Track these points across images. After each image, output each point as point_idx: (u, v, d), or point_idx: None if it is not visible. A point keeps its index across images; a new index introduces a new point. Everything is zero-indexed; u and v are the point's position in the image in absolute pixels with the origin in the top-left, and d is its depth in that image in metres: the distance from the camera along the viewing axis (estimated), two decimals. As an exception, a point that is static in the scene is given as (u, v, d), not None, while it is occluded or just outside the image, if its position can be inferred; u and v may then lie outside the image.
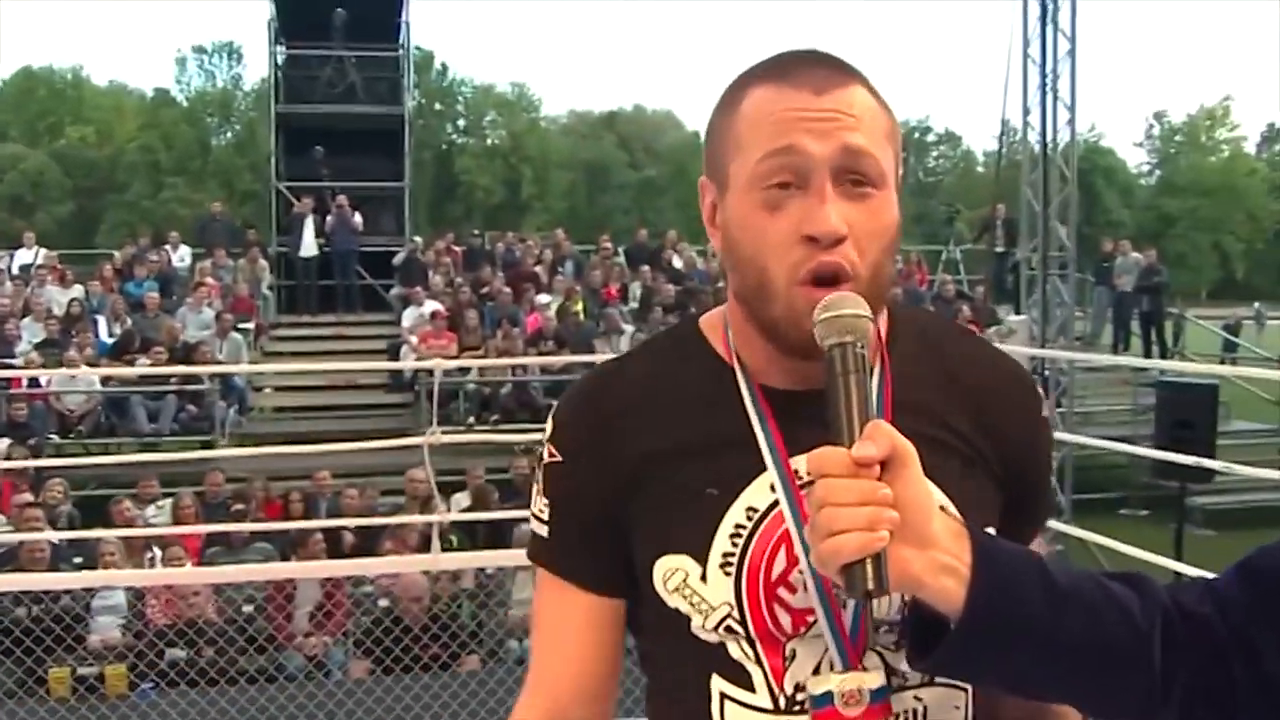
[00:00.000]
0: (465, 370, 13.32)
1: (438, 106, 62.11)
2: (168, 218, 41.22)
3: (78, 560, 8.75)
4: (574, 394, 1.44)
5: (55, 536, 8.27)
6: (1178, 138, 65.86)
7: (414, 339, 14.92)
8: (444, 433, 5.93)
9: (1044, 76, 11.37)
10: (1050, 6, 11.36)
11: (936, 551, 1.14)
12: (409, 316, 15.77)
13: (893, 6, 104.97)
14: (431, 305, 15.64)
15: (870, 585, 1.10)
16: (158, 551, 8.67)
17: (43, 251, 17.90)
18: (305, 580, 8.21)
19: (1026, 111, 11.56)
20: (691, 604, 1.30)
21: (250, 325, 15.96)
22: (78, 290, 15.97)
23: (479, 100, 63.22)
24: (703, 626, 1.30)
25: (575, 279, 17.48)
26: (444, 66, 62.77)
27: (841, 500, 1.11)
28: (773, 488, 1.30)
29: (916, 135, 69.49)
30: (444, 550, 6.49)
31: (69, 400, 13.09)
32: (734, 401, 1.34)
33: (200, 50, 62.95)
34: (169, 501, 9.97)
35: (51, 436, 12.67)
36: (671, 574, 1.31)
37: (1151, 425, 10.42)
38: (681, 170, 55.54)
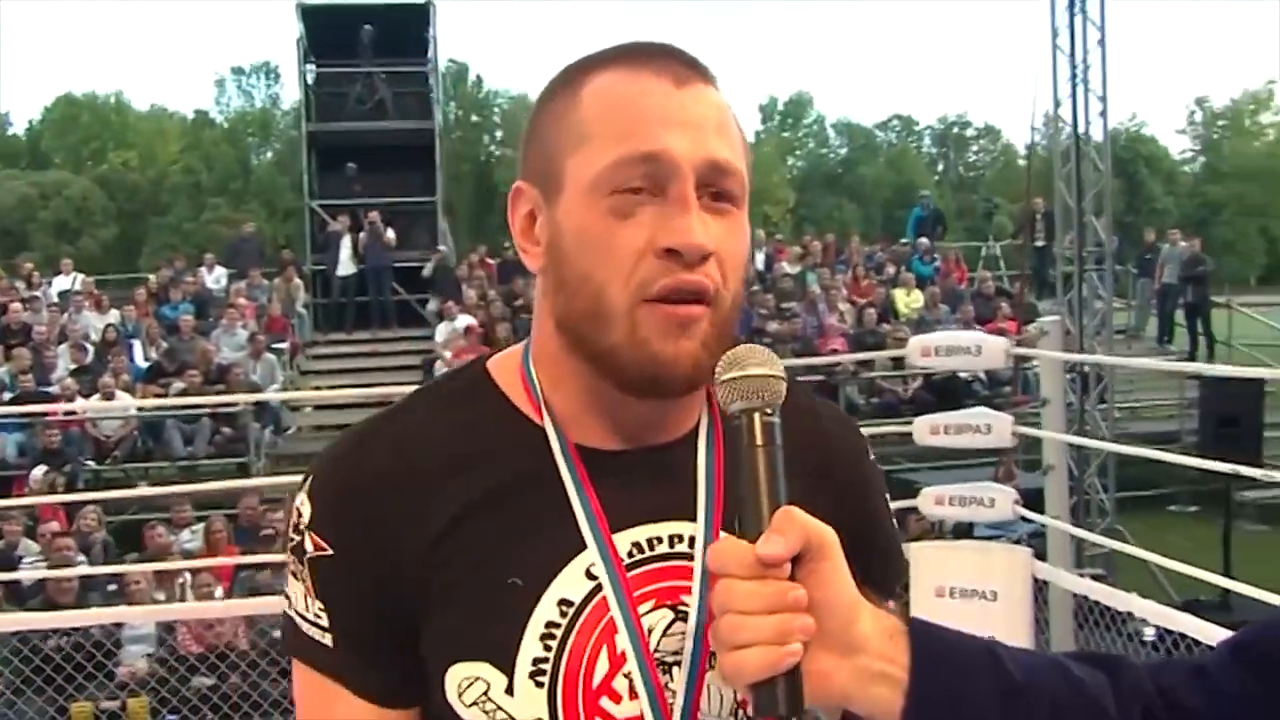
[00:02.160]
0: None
1: (474, 119, 62.33)
2: (210, 239, 41.49)
3: (111, 588, 8.74)
4: (335, 464, 1.16)
5: (79, 572, 8.24)
6: (1220, 123, 64.96)
7: (448, 354, 14.87)
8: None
9: (1074, 67, 11.13)
10: (1079, -5, 11.14)
11: (865, 657, 0.98)
12: (442, 331, 15.75)
13: (928, 1, 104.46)
14: (465, 319, 15.59)
15: (782, 709, 0.94)
16: (189, 577, 8.63)
17: (80, 277, 18.01)
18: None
19: (1057, 104, 11.32)
20: None
21: (285, 345, 15.96)
22: (114, 315, 16.05)
23: (516, 111, 63.32)
24: None
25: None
26: (479, 79, 63.01)
27: (745, 607, 0.95)
28: (589, 573, 1.09)
29: (955, 130, 68.98)
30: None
31: (104, 426, 13.11)
32: (541, 466, 1.12)
33: (239, 71, 63.54)
34: (202, 526, 9.94)
35: (88, 462, 12.71)
36: (468, 685, 1.09)
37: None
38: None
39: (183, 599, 8.41)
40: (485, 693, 1.08)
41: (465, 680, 1.09)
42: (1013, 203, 38.44)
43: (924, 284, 17.72)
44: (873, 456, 1.30)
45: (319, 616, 1.13)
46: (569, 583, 1.09)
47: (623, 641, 1.09)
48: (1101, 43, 11.22)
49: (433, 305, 17.14)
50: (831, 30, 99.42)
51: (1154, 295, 18.76)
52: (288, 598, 1.17)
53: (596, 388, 1.11)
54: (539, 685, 1.08)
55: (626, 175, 1.05)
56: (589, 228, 1.07)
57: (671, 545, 1.12)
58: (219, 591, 8.61)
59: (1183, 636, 4.42)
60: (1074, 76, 11.20)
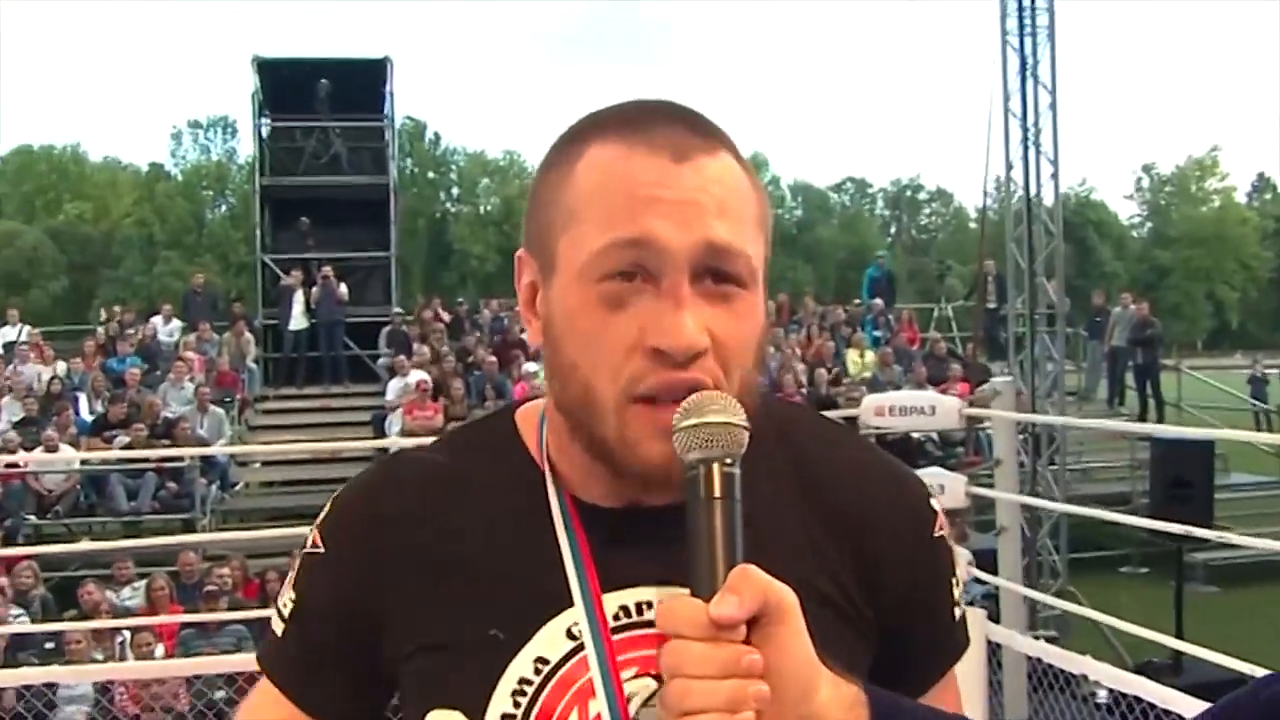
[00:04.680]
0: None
1: (431, 175, 62.46)
2: (161, 292, 41.18)
3: (49, 646, 8.51)
4: (361, 481, 1.20)
5: (11, 629, 8.02)
6: (1168, 189, 66.20)
7: (399, 410, 14.73)
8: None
9: (1025, 130, 11.28)
10: (1030, 60, 11.29)
11: None
12: (394, 388, 15.61)
13: (883, 66, 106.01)
14: (417, 375, 15.47)
15: None
16: (127, 635, 8.42)
17: (25, 329, 17.76)
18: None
19: (1009, 166, 11.45)
20: None
21: (234, 399, 15.77)
22: (60, 367, 15.82)
23: (472, 168, 63.54)
24: None
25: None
26: (437, 135, 63.21)
27: (696, 671, 0.89)
28: (570, 633, 1.05)
29: (908, 193, 69.85)
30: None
31: (47, 480, 12.86)
32: (540, 519, 1.09)
33: (195, 124, 63.41)
34: (144, 583, 9.74)
35: (28, 517, 12.44)
36: None
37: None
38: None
39: (122, 658, 8.21)
40: None
41: None
42: (964, 265, 38.87)
43: (876, 345, 17.82)
44: (941, 532, 1.17)
45: (285, 606, 1.16)
46: (547, 642, 1.06)
47: (599, 705, 1.03)
48: (1053, 106, 11.38)
49: (384, 360, 17.02)
50: (786, 92, 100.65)
51: (1104, 358, 18.92)
52: (274, 602, 1.20)
53: (596, 465, 1.07)
54: None
55: (615, 261, 1.00)
56: (579, 316, 1.02)
57: None
58: (160, 651, 8.41)
59: (1137, 700, 4.39)
60: (1025, 140, 11.34)
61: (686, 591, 0.95)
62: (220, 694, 8.06)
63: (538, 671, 1.05)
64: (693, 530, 0.93)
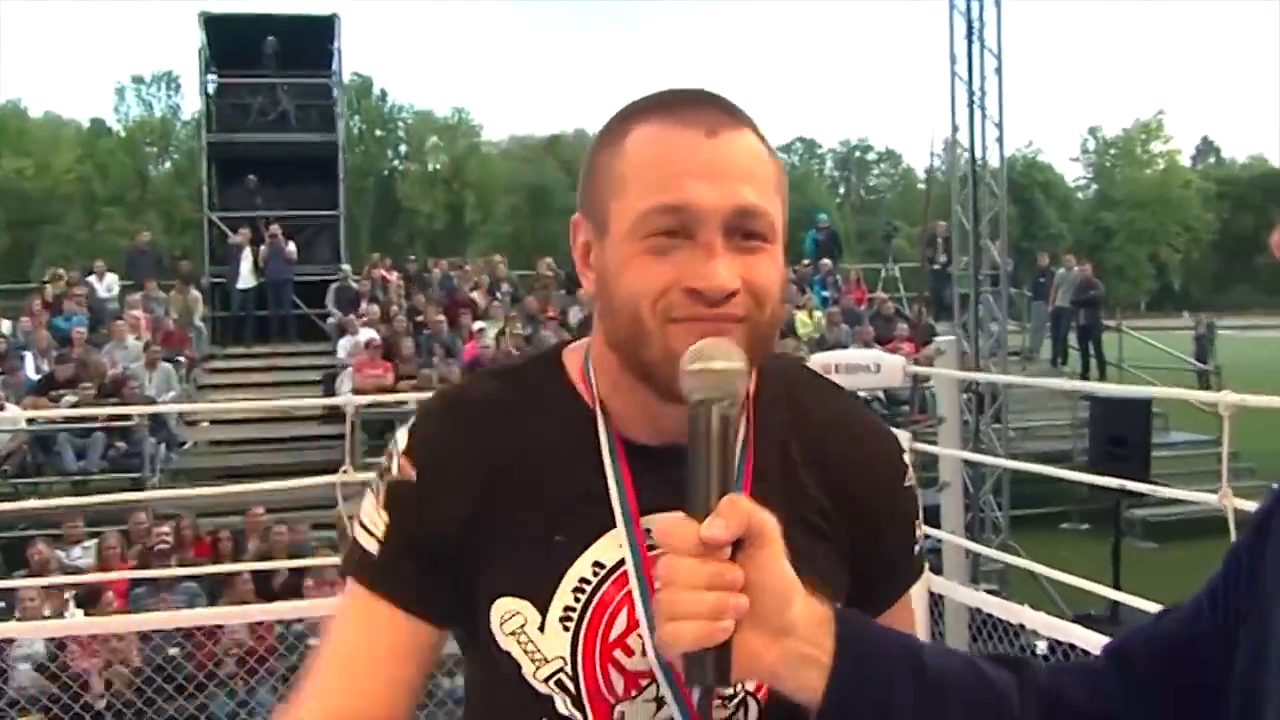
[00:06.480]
0: (402, 401, 13.10)
1: (378, 133, 61.88)
2: (104, 249, 40.65)
3: (0, 605, 8.50)
4: (433, 411, 1.37)
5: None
6: (1113, 151, 66.72)
7: (350, 368, 14.71)
8: (368, 466, 5.76)
9: (972, 94, 11.40)
10: (977, 24, 11.40)
11: (794, 640, 1.06)
12: (344, 346, 15.59)
13: (833, 28, 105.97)
14: (367, 334, 15.45)
15: (710, 678, 1.03)
16: (74, 595, 8.43)
17: (-33, 287, 17.51)
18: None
19: (955, 129, 11.58)
20: (525, 651, 1.26)
21: (181, 358, 15.65)
22: (5, 326, 15.63)
23: (420, 126, 63.01)
24: (534, 675, 1.26)
25: (513, 305, 17.36)
26: (384, 92, 62.60)
27: (684, 582, 1.03)
28: (621, 546, 1.26)
29: (857, 154, 70.02)
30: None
31: (-7, 439, 12.75)
32: (592, 450, 1.28)
33: (139, 80, 62.41)
34: (95, 542, 9.73)
35: (-25, 477, 12.34)
36: (510, 617, 1.26)
37: (1090, 439, 10.41)
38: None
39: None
40: (522, 626, 1.26)
41: (508, 613, 1.26)
42: (912, 226, 39.09)
43: (824, 305, 17.97)
44: (910, 482, 1.39)
45: (374, 525, 1.31)
46: (604, 549, 1.26)
47: (637, 611, 1.23)
48: (998, 70, 11.51)
49: (334, 319, 16.97)
50: (735, 53, 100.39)
51: (1048, 318, 19.19)
52: (359, 519, 1.34)
53: (644, 396, 1.24)
54: (566, 629, 1.25)
55: (659, 223, 1.18)
56: (629, 263, 1.20)
57: None
58: (114, 607, 8.42)
59: (1074, 648, 4.52)
60: (971, 103, 11.45)
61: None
62: (174, 650, 8.14)
63: (595, 573, 1.25)
64: (691, 461, 1.07)
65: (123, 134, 60.12)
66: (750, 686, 1.25)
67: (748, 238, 1.19)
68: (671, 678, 1.22)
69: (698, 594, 1.02)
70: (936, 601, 5.36)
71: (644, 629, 1.22)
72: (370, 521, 1.32)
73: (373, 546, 1.31)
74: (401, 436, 1.33)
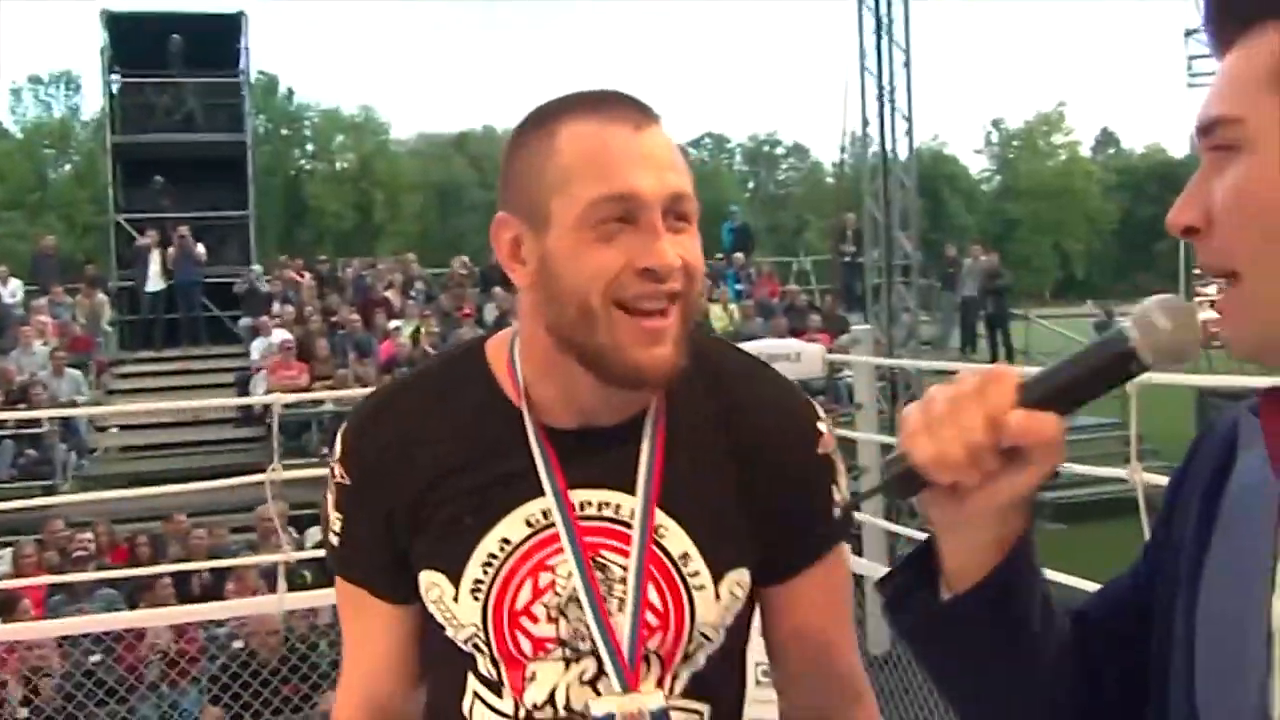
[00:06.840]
0: (319, 401, 13.03)
1: (284, 132, 61.04)
2: (4, 254, 39.72)
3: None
4: (362, 418, 1.49)
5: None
6: (1016, 144, 67.77)
7: (264, 371, 14.56)
8: (286, 467, 5.75)
9: (881, 88, 11.60)
10: (885, 20, 11.60)
11: (995, 516, 1.01)
12: (258, 348, 15.42)
13: (741, 24, 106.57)
14: (281, 335, 15.30)
15: (900, 492, 1.03)
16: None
17: None
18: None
19: (865, 123, 11.77)
20: (445, 618, 1.41)
21: (90, 364, 15.39)
22: (-95, 333, 15.27)
23: (326, 124, 62.24)
24: (456, 638, 1.41)
25: (427, 303, 17.29)
26: (290, 91, 61.74)
27: (965, 420, 0.95)
28: (528, 522, 1.37)
29: (765, 148, 70.46)
30: (295, 588, 6.30)
31: (-102, 450, 12.47)
32: (514, 439, 1.39)
33: (36, 80, 60.93)
34: (9, 551, 9.56)
35: (-120, 488, 12.03)
36: (431, 587, 1.41)
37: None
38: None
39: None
40: (440, 597, 1.40)
41: (429, 584, 1.41)
42: (821, 219, 39.48)
43: (738, 298, 18.12)
44: (824, 449, 1.46)
45: (334, 524, 1.48)
46: (510, 527, 1.38)
47: (568, 565, 1.36)
48: (907, 65, 11.72)
49: (246, 321, 16.78)
50: (644, 49, 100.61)
51: (956, 307, 19.50)
52: (325, 517, 1.51)
53: (576, 379, 1.35)
54: (476, 599, 1.38)
55: (606, 211, 1.28)
56: (578, 251, 1.29)
57: (600, 510, 1.38)
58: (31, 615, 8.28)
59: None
60: (881, 97, 11.65)
61: (635, 499, 1.35)
62: (95, 658, 8.02)
63: (502, 549, 1.38)
64: (1069, 363, 1.00)
65: (19, 136, 58.69)
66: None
67: (679, 219, 1.31)
68: (606, 635, 1.35)
69: (974, 432, 0.95)
70: (858, 581, 5.48)
71: (576, 580, 1.35)
72: (332, 520, 1.49)
73: (336, 541, 1.49)
74: (338, 441, 1.48)
